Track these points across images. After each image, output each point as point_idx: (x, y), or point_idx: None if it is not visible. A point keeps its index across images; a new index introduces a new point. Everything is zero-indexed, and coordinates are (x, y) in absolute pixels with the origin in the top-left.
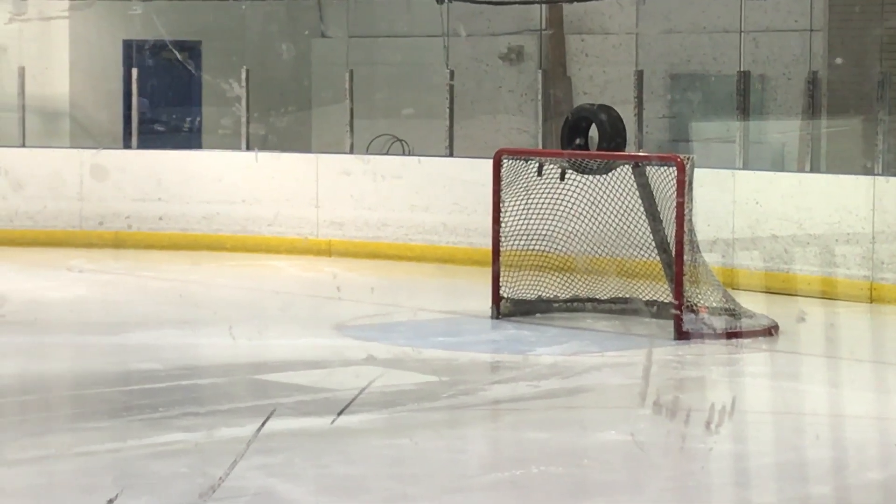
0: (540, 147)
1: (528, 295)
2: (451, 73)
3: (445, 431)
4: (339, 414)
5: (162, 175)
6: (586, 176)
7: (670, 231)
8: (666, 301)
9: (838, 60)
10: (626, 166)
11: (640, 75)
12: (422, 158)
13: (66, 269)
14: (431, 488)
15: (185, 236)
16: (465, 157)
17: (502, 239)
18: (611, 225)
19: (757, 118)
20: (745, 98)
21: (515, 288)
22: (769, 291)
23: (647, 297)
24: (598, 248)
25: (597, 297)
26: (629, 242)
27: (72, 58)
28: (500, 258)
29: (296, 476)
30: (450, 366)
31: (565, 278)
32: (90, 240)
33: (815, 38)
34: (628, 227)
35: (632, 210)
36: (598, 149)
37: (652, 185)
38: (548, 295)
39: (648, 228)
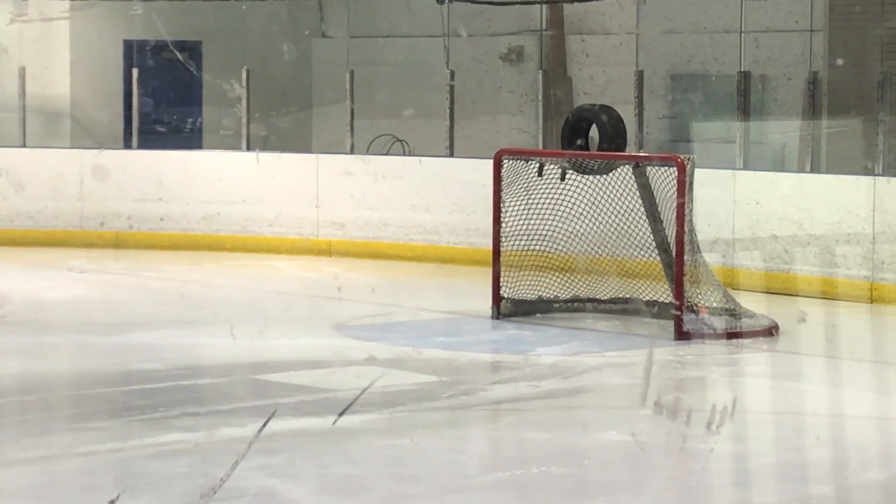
0: (540, 147)
1: (529, 295)
2: (452, 74)
3: (446, 431)
4: (341, 414)
5: (163, 175)
6: (587, 176)
7: (671, 231)
8: (666, 301)
9: (839, 61)
10: (627, 166)
11: (640, 75)
12: (422, 159)
13: (67, 269)
14: (432, 488)
15: (185, 236)
16: (466, 158)
17: (503, 239)
18: (611, 225)
19: (757, 118)
20: (745, 98)
21: (516, 288)
22: (769, 291)
23: (648, 298)
24: (599, 248)
25: (597, 297)
26: (630, 243)
27: (72, 58)
28: (501, 258)
29: (296, 476)
30: (450, 366)
31: (566, 278)
32: (91, 240)
33: (816, 39)
34: (629, 227)
35: (632, 210)
36: (599, 149)
37: (652, 186)
38: (548, 295)
39: (649, 228)
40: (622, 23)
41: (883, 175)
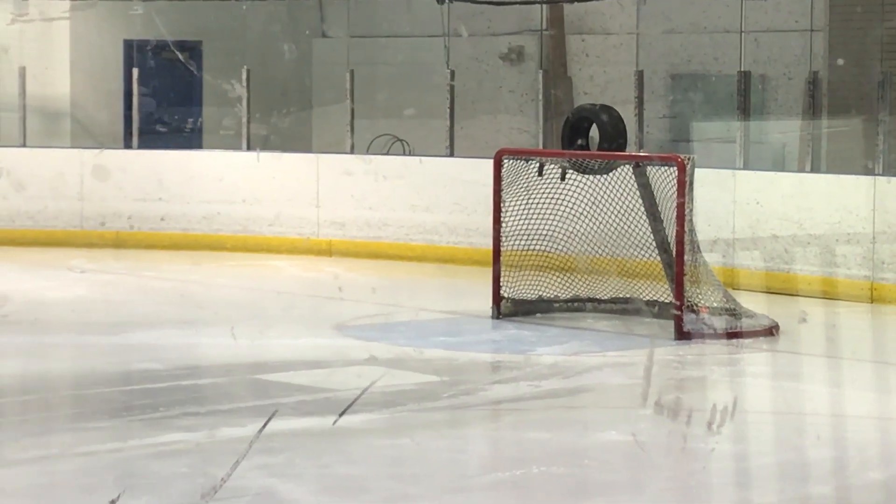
0: (541, 147)
1: (529, 295)
2: (452, 74)
3: (446, 431)
4: (341, 414)
5: (163, 175)
6: (587, 176)
7: (671, 231)
8: (667, 301)
9: (839, 61)
10: (627, 166)
11: (640, 75)
12: (423, 158)
13: (67, 269)
14: (432, 488)
15: (185, 236)
16: (466, 158)
17: (503, 239)
18: (611, 225)
19: (757, 118)
20: (745, 98)
21: (516, 288)
22: (770, 291)
23: (648, 297)
24: (599, 248)
25: (597, 297)
26: (630, 242)
27: (73, 58)
28: (501, 258)
29: (297, 476)
30: (451, 366)
31: (566, 278)
32: (91, 240)
33: (816, 39)
34: (629, 227)
35: (632, 210)
36: (599, 149)
37: (653, 185)
38: (548, 295)
39: (649, 228)
40: (622, 23)
41: (883, 175)
